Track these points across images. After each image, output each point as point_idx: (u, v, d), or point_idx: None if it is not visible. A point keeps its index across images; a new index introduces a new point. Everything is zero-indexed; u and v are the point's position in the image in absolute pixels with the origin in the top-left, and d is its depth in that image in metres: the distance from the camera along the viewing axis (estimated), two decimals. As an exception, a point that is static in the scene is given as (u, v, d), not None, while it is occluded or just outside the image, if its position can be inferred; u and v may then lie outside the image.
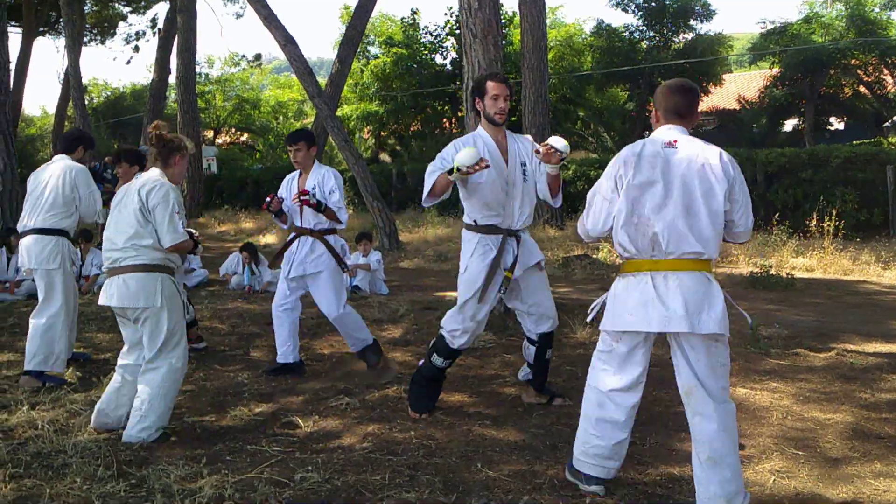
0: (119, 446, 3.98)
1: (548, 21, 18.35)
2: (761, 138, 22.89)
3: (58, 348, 5.26)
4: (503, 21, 21.82)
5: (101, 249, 4.44)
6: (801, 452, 3.87)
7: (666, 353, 5.68)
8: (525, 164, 4.38)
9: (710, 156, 3.10)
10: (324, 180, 5.47)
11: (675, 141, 3.14)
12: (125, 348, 4.32)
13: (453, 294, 8.59)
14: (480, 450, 3.93)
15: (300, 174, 5.66)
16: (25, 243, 5.41)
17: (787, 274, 9.44)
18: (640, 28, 24.58)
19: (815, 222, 12.27)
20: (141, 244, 4.07)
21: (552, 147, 3.96)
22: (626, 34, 24.70)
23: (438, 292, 8.94)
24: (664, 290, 3.07)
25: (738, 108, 25.54)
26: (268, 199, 5.57)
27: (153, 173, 4.23)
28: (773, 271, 9.46)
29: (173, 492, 3.38)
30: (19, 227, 5.58)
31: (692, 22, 24.21)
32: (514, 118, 20.84)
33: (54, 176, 5.48)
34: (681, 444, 3.98)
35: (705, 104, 25.85)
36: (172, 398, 4.20)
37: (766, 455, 3.84)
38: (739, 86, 27.39)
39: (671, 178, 3.08)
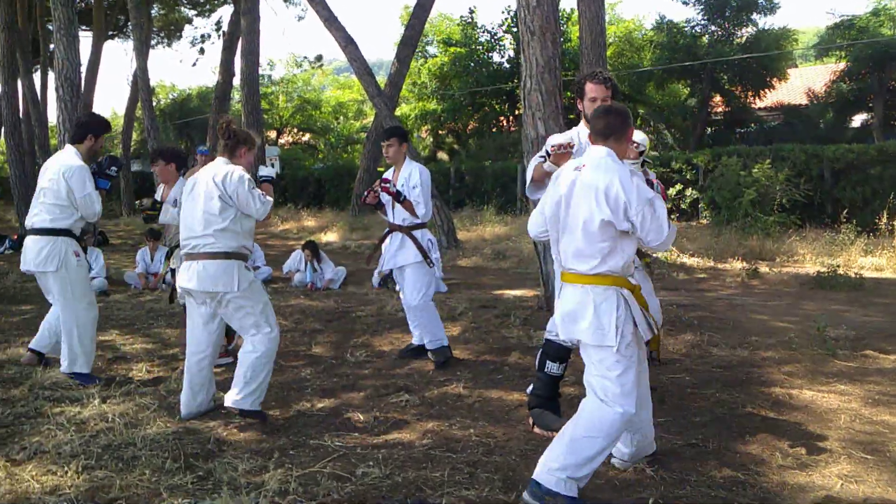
0: (186, 440, 4.10)
1: (606, 17, 18.15)
2: (828, 134, 22.24)
3: (81, 350, 5.24)
4: (561, 18, 21.71)
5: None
6: (869, 456, 3.77)
7: (730, 356, 5.61)
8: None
9: (603, 182, 3.25)
10: (410, 175, 5.65)
11: (584, 165, 3.37)
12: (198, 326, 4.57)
13: (511, 292, 8.63)
14: (540, 448, 3.91)
15: (394, 170, 5.83)
16: (26, 243, 5.31)
17: (856, 273, 9.17)
18: (702, 22, 24.11)
19: (884, 220, 11.87)
20: (220, 231, 4.30)
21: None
22: (688, 29, 24.26)
23: (496, 290, 8.94)
24: (559, 301, 3.51)
25: (804, 103, 24.85)
26: (366, 193, 5.74)
27: (219, 162, 4.43)
28: (840, 271, 9.20)
29: (239, 485, 3.47)
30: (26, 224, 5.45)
31: (755, 15, 23.63)
32: (571, 115, 20.74)
33: (52, 174, 5.28)
34: (745, 447, 3.91)
35: (770, 99, 25.19)
36: (269, 372, 4.44)
37: (834, 459, 3.75)
38: (805, 81, 26.61)
39: (570, 200, 3.37)
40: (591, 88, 4.23)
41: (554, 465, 3.24)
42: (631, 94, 25.30)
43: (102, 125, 5.57)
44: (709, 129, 25.01)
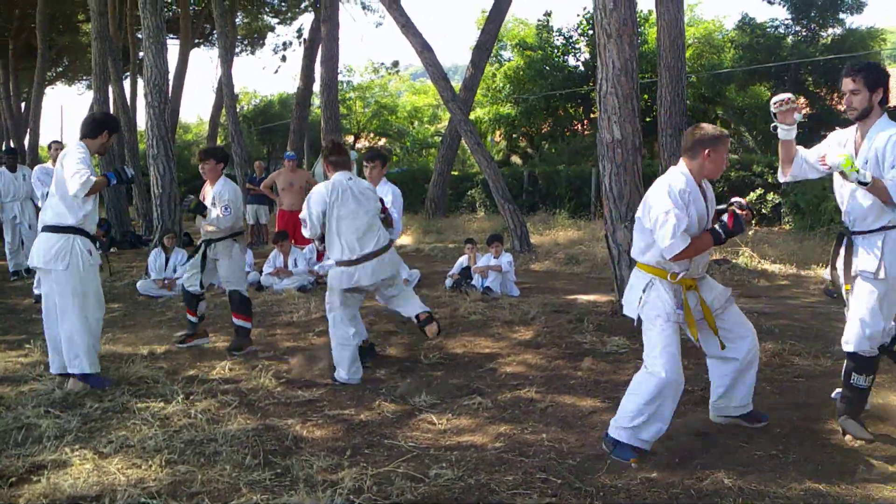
0: (265, 436, 4.21)
1: (686, 18, 17.79)
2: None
3: (78, 348, 5.14)
4: (638, 20, 21.40)
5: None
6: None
7: (813, 366, 5.44)
8: (867, 162, 3.98)
9: (652, 188, 3.96)
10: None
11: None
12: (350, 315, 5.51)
13: (585, 297, 8.56)
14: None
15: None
16: (36, 241, 5.26)
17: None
18: (786, 22, 23.39)
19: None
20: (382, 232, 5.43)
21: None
22: (771, 29, 23.57)
23: (569, 295, 8.86)
24: None
25: (894, 105, 23.82)
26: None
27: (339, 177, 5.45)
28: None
29: (316, 482, 3.55)
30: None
31: (842, 15, 22.79)
32: (647, 119, 20.39)
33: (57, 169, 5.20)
34: (826, 458, 3.79)
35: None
36: None
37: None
38: (895, 82, 25.52)
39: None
40: (844, 83, 4.05)
41: (616, 417, 3.94)
42: (709, 96, 24.78)
43: (118, 123, 5.69)
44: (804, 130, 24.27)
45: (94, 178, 5.01)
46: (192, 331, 6.68)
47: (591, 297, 8.58)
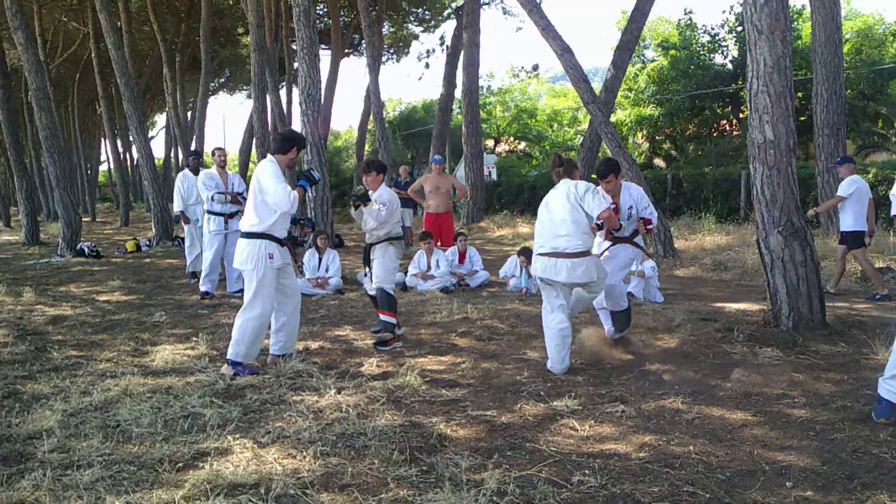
0: (411, 433, 4.34)
1: (842, 12, 16.74)
2: None
3: (243, 338, 5.75)
4: (791, 14, 20.34)
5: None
6: None
7: None
8: None
9: None
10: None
11: None
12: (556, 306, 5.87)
13: (734, 305, 8.27)
14: (765, 471, 3.75)
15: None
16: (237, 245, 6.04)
17: None
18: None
19: None
20: (582, 233, 5.72)
21: None
22: (943, 19, 21.79)
23: (717, 303, 8.57)
24: None
25: None
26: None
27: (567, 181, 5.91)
28: None
29: (460, 481, 3.61)
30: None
31: None
32: (802, 118, 19.31)
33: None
34: None
35: None
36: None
37: None
38: None
39: None
40: None
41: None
42: (869, 94, 23.22)
43: (304, 140, 6.38)
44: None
45: (295, 192, 5.70)
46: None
47: (741, 306, 8.26)
